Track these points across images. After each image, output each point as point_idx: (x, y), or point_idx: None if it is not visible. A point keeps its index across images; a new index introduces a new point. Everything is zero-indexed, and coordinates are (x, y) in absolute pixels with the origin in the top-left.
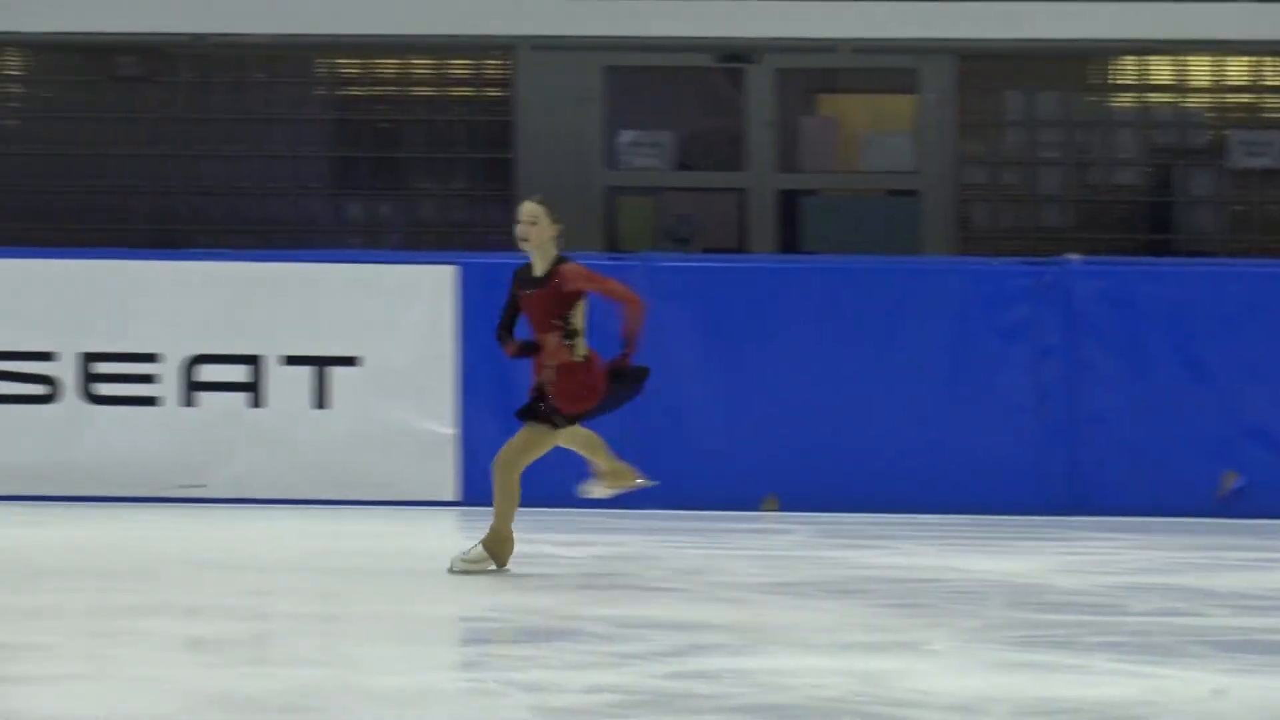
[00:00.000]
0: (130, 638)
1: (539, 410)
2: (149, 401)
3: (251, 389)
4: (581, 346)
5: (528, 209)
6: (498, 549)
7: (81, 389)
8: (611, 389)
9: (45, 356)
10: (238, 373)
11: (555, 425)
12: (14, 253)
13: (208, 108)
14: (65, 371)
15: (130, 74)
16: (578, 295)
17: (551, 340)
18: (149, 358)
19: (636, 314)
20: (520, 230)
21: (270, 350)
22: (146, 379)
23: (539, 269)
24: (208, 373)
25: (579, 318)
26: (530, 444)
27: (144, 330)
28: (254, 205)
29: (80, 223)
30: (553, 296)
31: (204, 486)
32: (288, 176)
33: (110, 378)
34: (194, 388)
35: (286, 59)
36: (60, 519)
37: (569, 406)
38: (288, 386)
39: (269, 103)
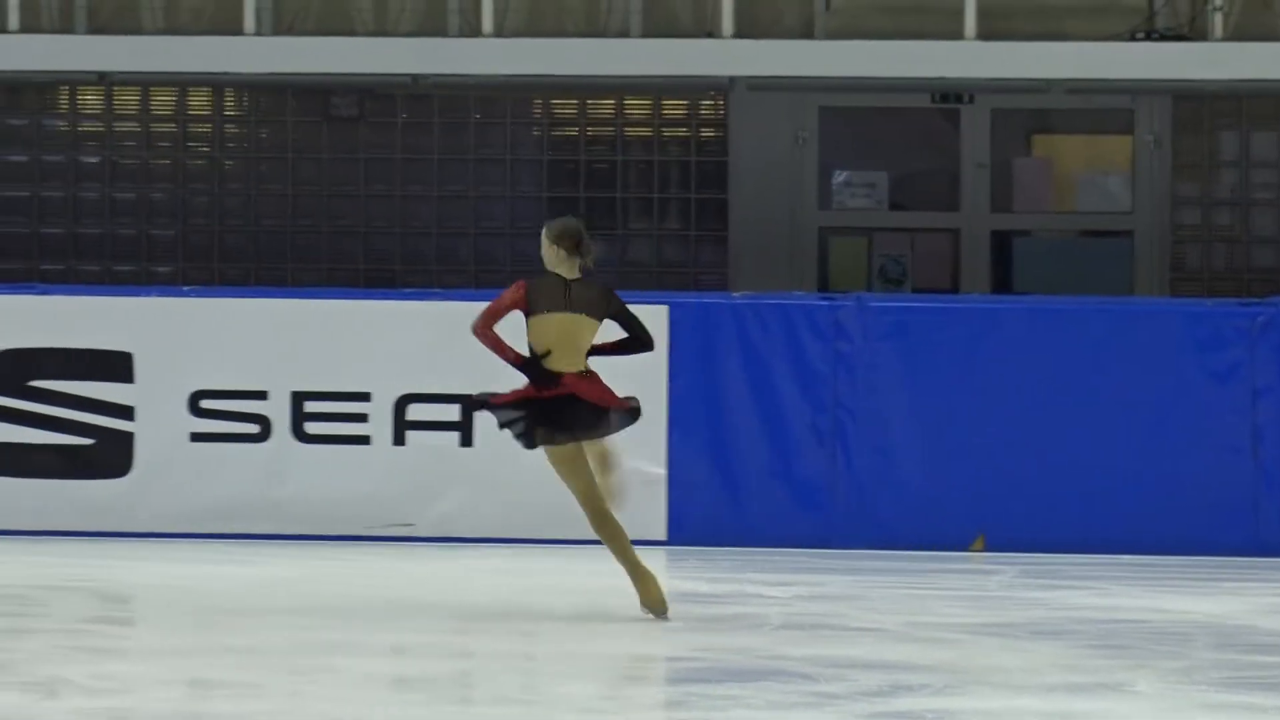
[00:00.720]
0: (330, 675)
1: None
2: (359, 440)
3: (461, 428)
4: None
5: (559, 226)
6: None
7: (292, 427)
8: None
9: (258, 395)
10: (448, 412)
11: (561, 441)
12: (229, 292)
13: (424, 148)
14: (277, 410)
15: (346, 114)
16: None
17: (581, 354)
18: (360, 396)
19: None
20: (562, 248)
21: (480, 389)
22: (357, 418)
23: (568, 275)
24: (417, 412)
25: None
26: (574, 477)
27: (355, 369)
28: (468, 245)
29: (294, 262)
30: (598, 313)
31: (412, 525)
32: (502, 216)
33: (321, 416)
34: (405, 426)
35: (503, 100)
36: (267, 556)
37: (621, 402)
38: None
39: (484, 143)
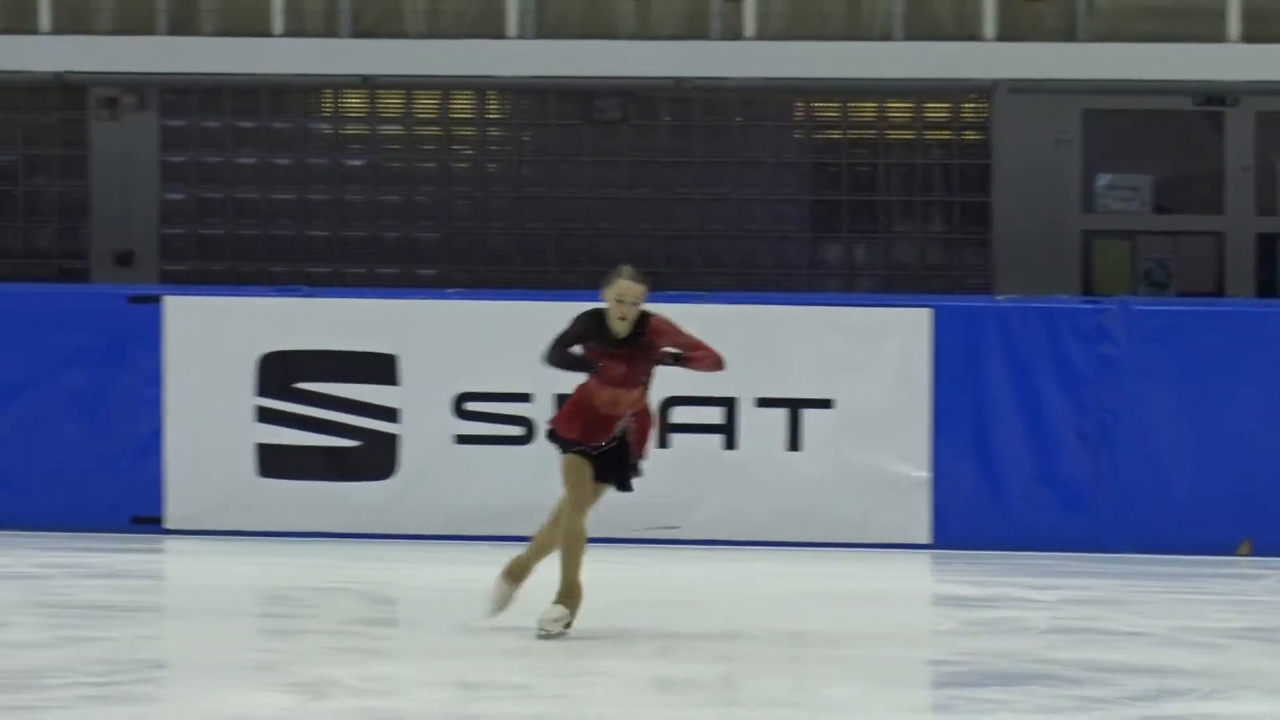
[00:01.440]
0: (598, 678)
1: (626, 473)
2: None
3: (725, 431)
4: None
5: (635, 291)
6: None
7: None
8: None
9: (522, 398)
10: (712, 414)
11: (627, 488)
12: (496, 294)
13: (686, 151)
14: (541, 413)
15: (609, 117)
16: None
17: (636, 392)
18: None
19: (711, 366)
20: (624, 311)
21: (744, 392)
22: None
23: (622, 331)
24: (681, 414)
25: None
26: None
27: None
28: (731, 248)
29: (558, 265)
30: (644, 354)
31: (677, 528)
32: (765, 219)
33: None
34: (668, 429)
35: (765, 103)
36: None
37: (641, 452)
38: (761, 428)
39: (747, 146)
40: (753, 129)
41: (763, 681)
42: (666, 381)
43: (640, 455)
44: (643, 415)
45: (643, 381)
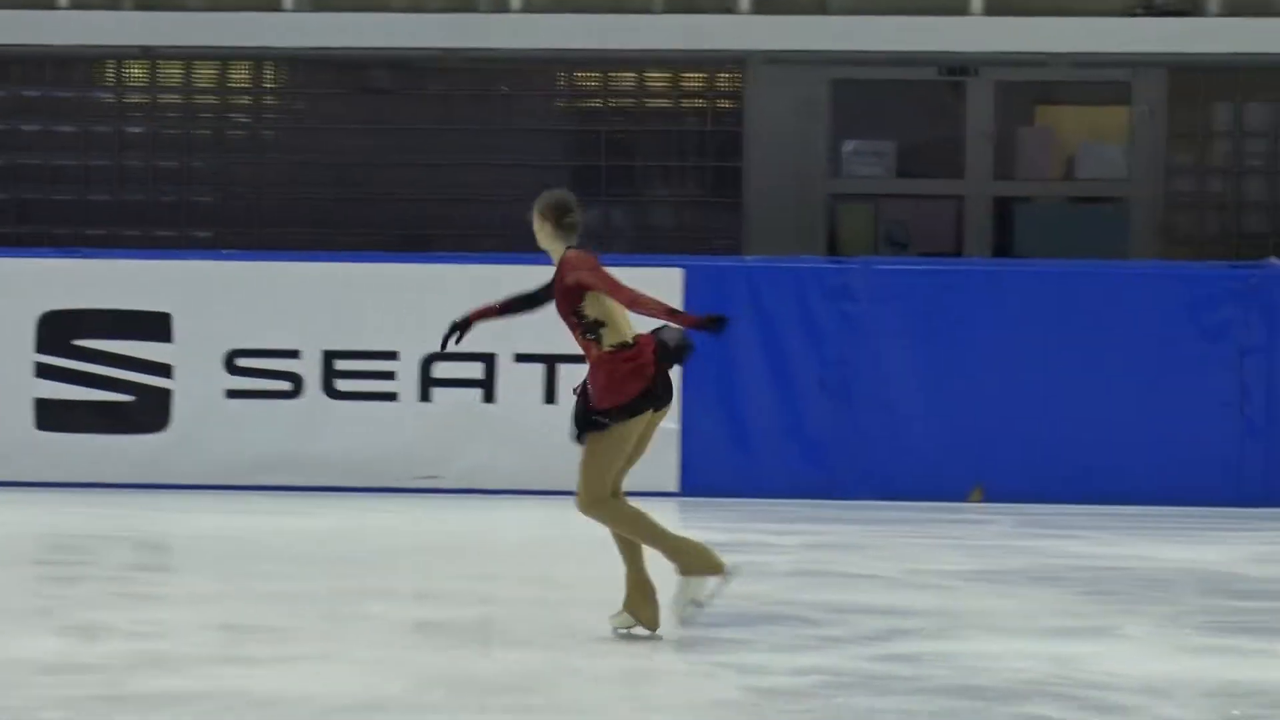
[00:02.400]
0: (361, 621)
1: (589, 421)
2: (388, 397)
3: (485, 385)
4: (611, 336)
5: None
6: (695, 561)
7: (323, 385)
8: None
9: (291, 354)
10: (472, 369)
11: (604, 426)
12: (267, 255)
13: (453, 119)
14: (309, 368)
15: (381, 87)
16: (581, 286)
17: (577, 337)
18: (388, 355)
19: (650, 309)
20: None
21: (504, 349)
22: (386, 375)
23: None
24: (443, 370)
25: (595, 308)
26: (595, 468)
27: (383, 329)
28: (496, 211)
29: (331, 228)
30: (560, 290)
31: (438, 478)
32: (528, 184)
33: (351, 374)
34: (430, 384)
35: (529, 73)
36: (301, 508)
37: (602, 402)
38: (519, 383)
39: (511, 114)
40: (517, 98)
41: (517, 625)
42: (430, 338)
43: (596, 404)
44: (595, 363)
45: (573, 323)
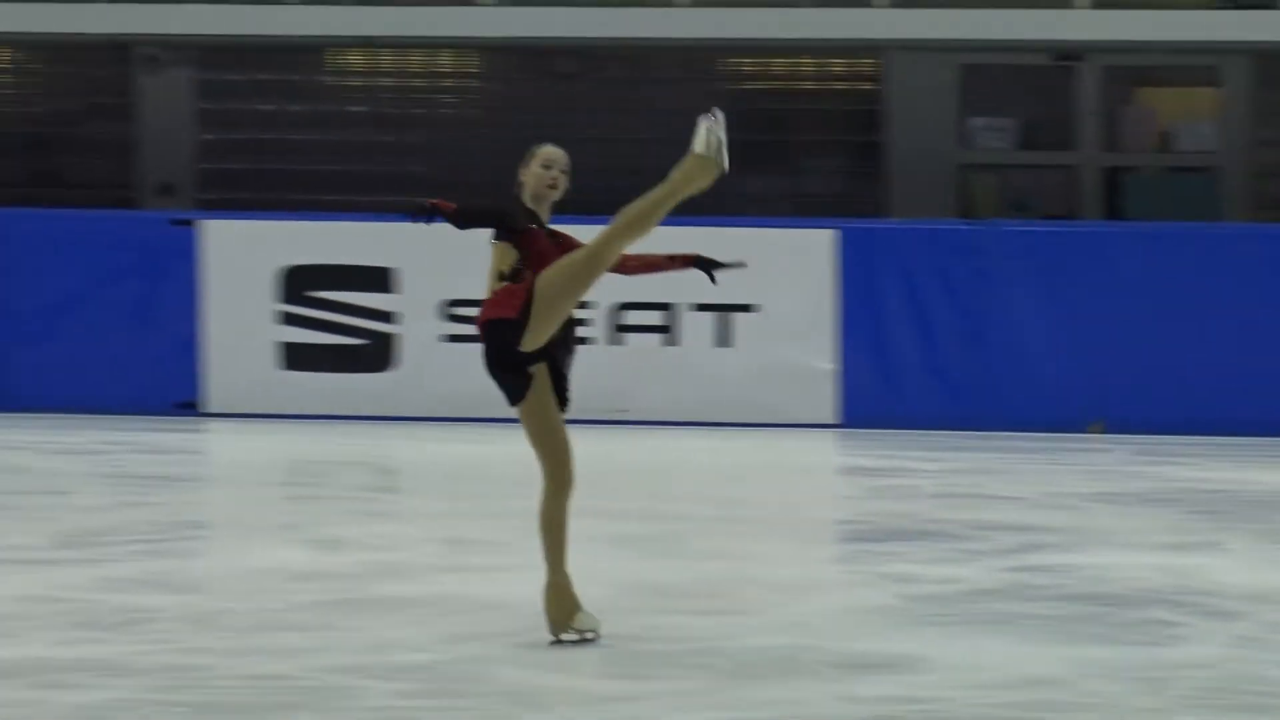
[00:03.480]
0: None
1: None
2: (581, 341)
3: (666, 330)
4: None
5: (562, 156)
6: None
7: None
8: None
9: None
10: (654, 317)
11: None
12: None
13: (630, 101)
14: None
15: (566, 71)
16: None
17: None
18: (582, 304)
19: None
20: (554, 178)
21: (682, 299)
22: (579, 322)
23: (546, 218)
24: (631, 317)
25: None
26: (539, 434)
27: None
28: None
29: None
30: (560, 248)
31: (626, 411)
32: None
33: None
34: (619, 329)
35: (696, 60)
36: (508, 437)
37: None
38: (696, 329)
39: (682, 97)
40: (685, 81)
41: (699, 539)
42: (619, 289)
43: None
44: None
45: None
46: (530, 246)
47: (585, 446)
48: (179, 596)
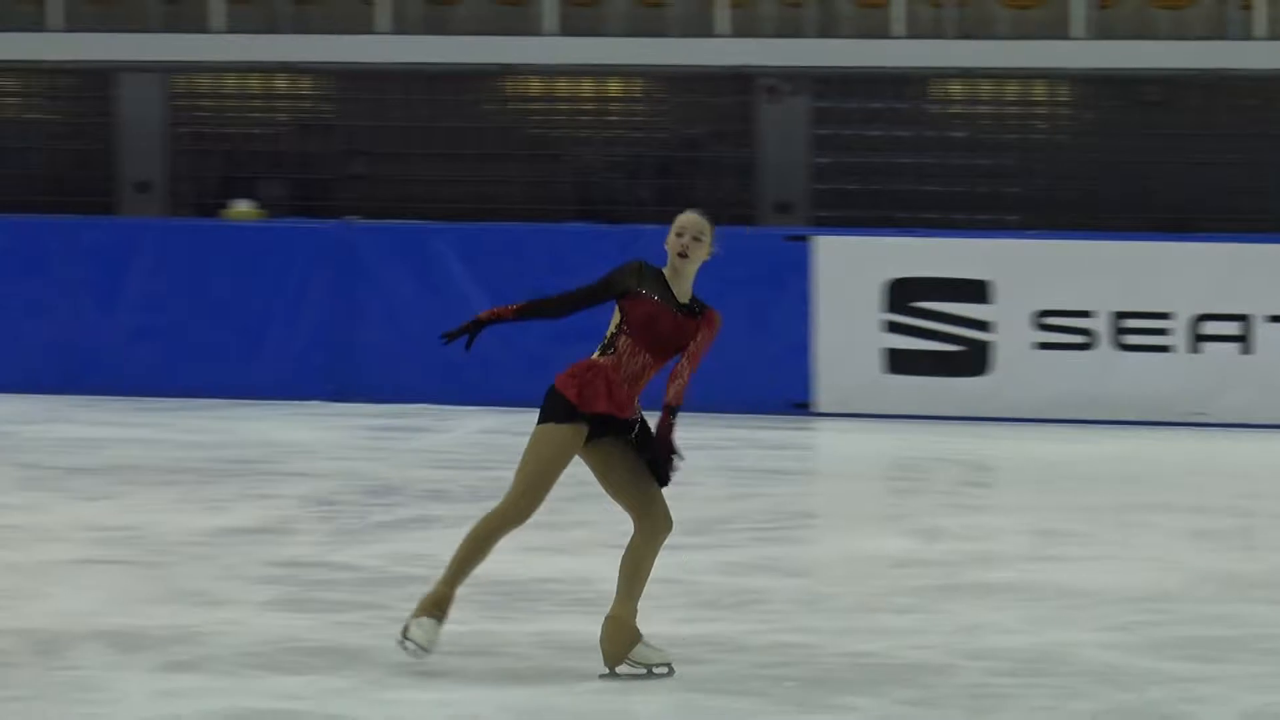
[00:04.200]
0: (1145, 528)
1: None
2: (1163, 350)
3: (1242, 340)
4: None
5: (698, 223)
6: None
7: (1112, 339)
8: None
9: (1085, 314)
10: (1232, 327)
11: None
12: (1064, 235)
13: (1212, 127)
14: (1100, 325)
15: (1152, 99)
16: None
17: (649, 373)
18: (1163, 315)
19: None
20: (684, 245)
21: (1259, 311)
22: (1162, 332)
23: (682, 294)
24: (1209, 327)
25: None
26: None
27: (1158, 294)
28: (1245, 198)
29: (1109, 213)
30: (694, 327)
31: (1204, 414)
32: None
33: (1134, 330)
34: (1199, 339)
35: (1271, 91)
36: (1093, 437)
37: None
38: (1272, 338)
39: (1257, 123)
40: (1269, 109)
41: (1276, 533)
42: (1199, 301)
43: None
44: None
45: (675, 357)
46: (632, 310)
47: (1164, 447)
48: (790, 580)
